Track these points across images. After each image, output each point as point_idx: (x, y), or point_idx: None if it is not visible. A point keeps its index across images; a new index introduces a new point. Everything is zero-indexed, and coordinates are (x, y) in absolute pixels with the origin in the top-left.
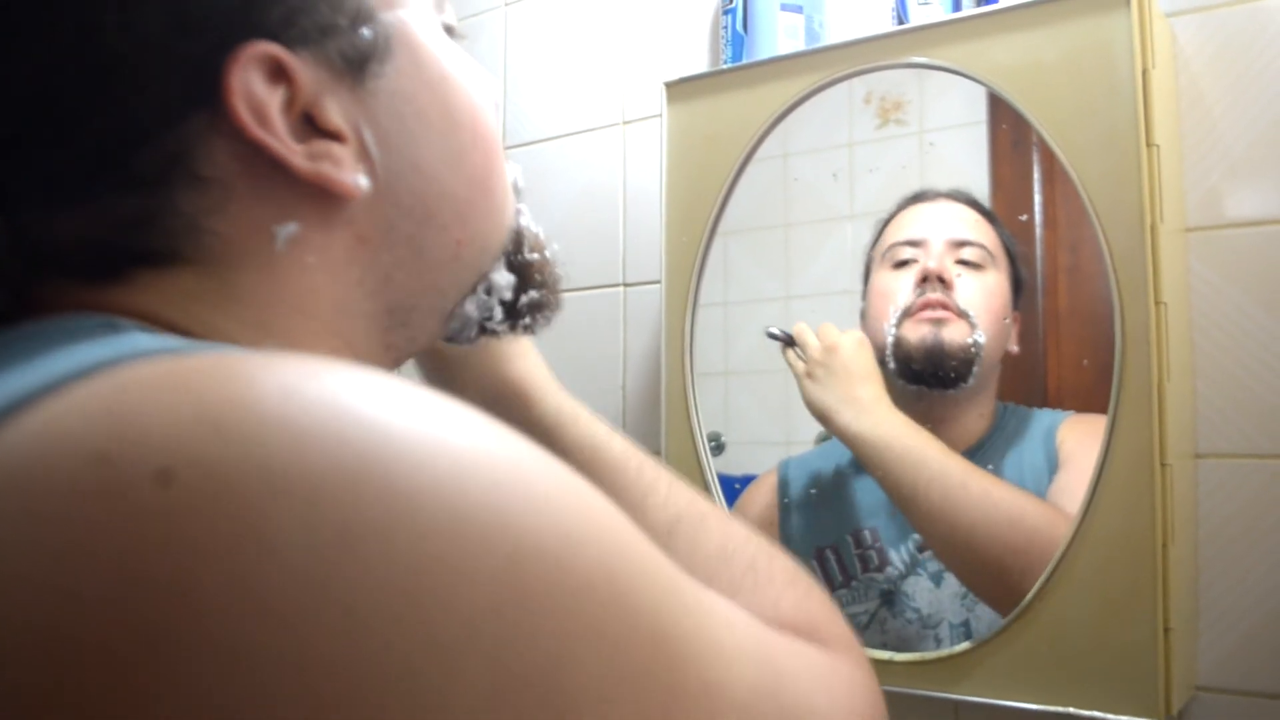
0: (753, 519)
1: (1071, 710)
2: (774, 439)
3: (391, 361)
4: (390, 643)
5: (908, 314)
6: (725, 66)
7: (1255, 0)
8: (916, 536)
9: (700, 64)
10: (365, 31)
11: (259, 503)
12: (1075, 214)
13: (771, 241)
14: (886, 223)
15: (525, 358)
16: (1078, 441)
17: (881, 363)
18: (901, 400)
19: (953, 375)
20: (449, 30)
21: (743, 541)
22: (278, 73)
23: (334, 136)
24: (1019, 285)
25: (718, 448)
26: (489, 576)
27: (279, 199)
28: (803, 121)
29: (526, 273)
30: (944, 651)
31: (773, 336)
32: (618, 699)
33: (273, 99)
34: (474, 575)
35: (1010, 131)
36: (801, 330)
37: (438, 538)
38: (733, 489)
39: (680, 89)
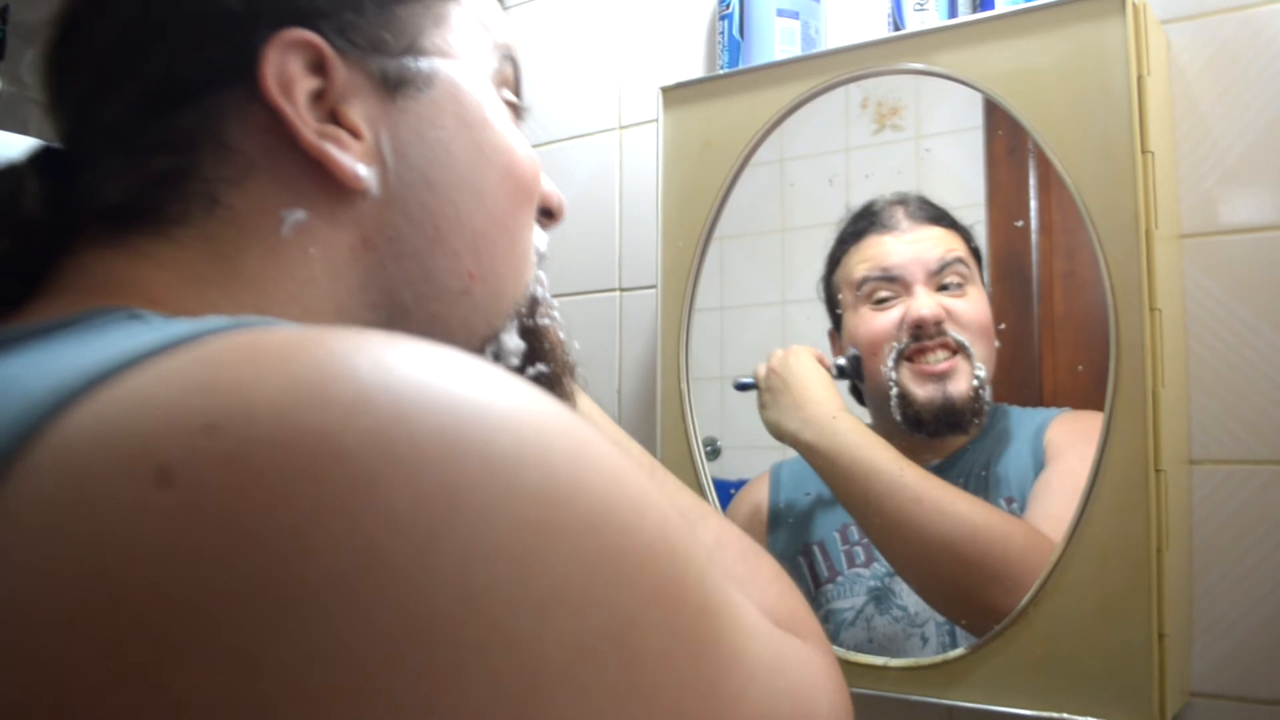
0: (745, 520)
1: (1065, 716)
2: (769, 444)
3: None
4: (495, 594)
5: (903, 357)
6: (722, 71)
7: (1250, 7)
8: None
9: (696, 69)
10: (411, 61)
11: (369, 466)
12: (1071, 220)
13: (768, 246)
14: (845, 245)
15: None
16: (1065, 440)
17: (887, 410)
18: (879, 427)
19: (965, 425)
20: (514, 108)
21: (736, 538)
22: (318, 67)
23: (352, 133)
24: (978, 255)
25: (713, 453)
26: (574, 536)
27: (293, 184)
28: (799, 126)
29: (537, 341)
30: (938, 657)
31: (743, 387)
32: (676, 659)
33: (304, 82)
34: (562, 534)
35: (1006, 137)
36: (758, 369)
37: (530, 498)
38: (728, 494)
39: (676, 94)
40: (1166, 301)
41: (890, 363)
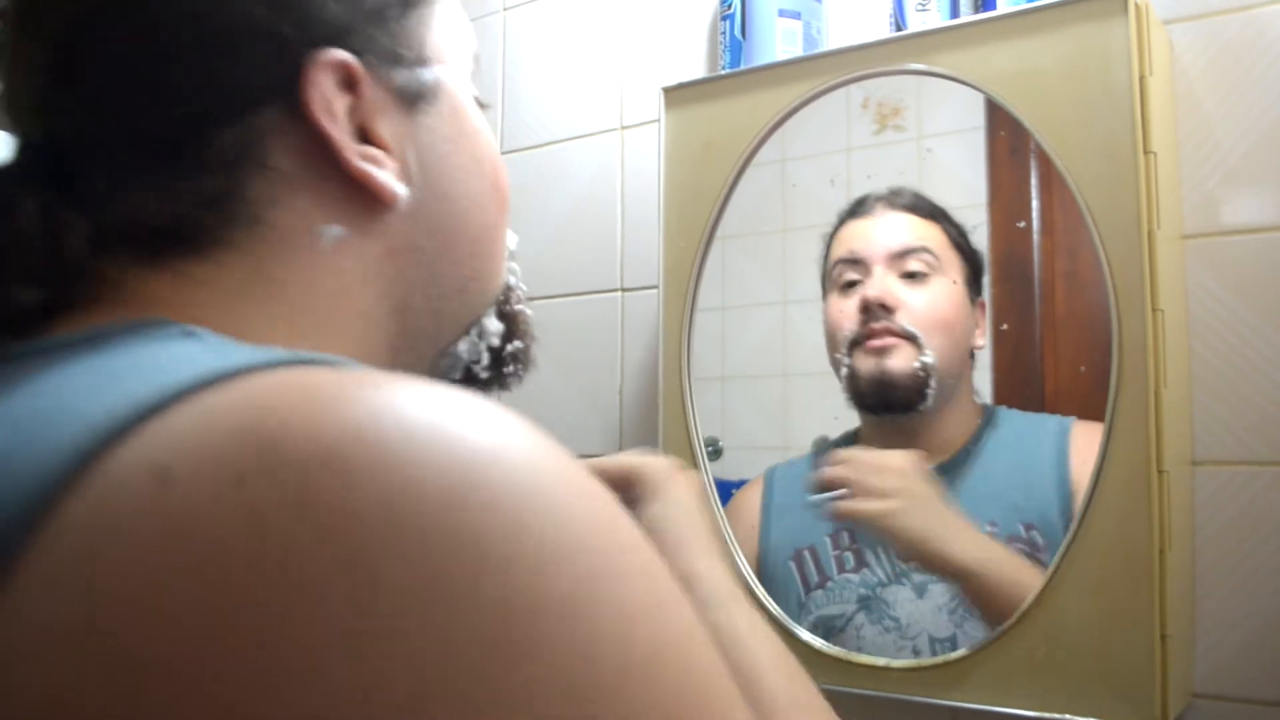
0: (739, 523)
1: (1068, 717)
2: (771, 444)
3: None
4: (463, 688)
5: (857, 344)
6: (723, 72)
7: (1252, 8)
8: None
9: (698, 69)
10: (422, 72)
11: (369, 541)
12: (1073, 220)
13: (769, 247)
14: (832, 236)
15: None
16: None
17: (848, 393)
18: (866, 425)
19: (904, 402)
20: (477, 102)
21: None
22: (348, 84)
23: (383, 149)
24: (977, 274)
25: (715, 453)
26: (573, 652)
27: (331, 201)
28: (801, 127)
29: (513, 323)
30: (940, 658)
31: (821, 497)
32: None
33: (340, 102)
34: (544, 651)
35: (1008, 138)
36: (837, 473)
37: (526, 607)
38: (729, 494)
39: (678, 94)
40: (1169, 302)
41: (845, 350)
